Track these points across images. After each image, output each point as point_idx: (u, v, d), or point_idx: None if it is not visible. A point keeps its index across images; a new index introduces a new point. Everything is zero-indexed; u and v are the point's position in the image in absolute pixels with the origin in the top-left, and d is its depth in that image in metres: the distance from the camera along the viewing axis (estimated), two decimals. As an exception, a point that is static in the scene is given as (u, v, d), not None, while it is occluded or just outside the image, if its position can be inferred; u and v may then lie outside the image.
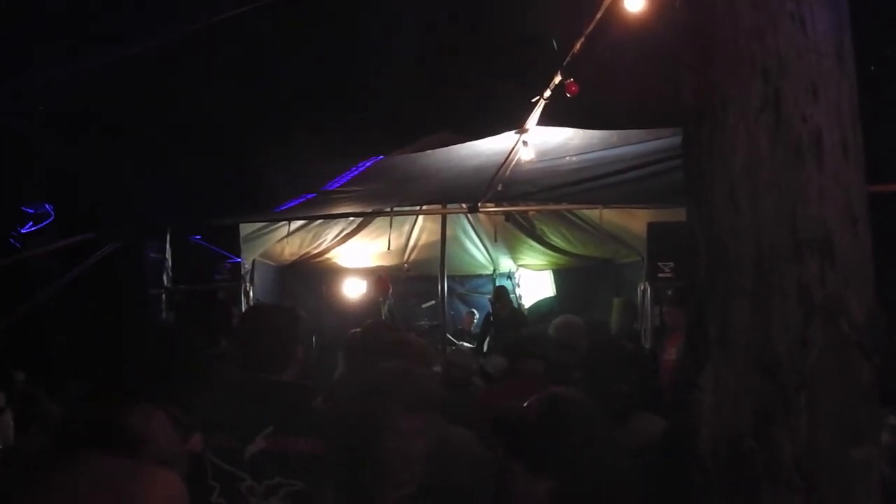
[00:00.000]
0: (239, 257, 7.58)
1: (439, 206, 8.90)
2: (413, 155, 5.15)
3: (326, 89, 3.95)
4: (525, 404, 2.19)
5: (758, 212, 1.62)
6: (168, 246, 7.24)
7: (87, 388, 1.69)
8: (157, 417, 1.63)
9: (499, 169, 6.05)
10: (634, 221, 8.94)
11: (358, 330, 4.94)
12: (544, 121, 4.60)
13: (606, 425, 2.18)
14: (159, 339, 1.76)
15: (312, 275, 11.63)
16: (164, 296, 7.16)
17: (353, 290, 11.00)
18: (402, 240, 11.44)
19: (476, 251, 12.40)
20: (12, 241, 5.90)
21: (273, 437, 2.78)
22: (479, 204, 7.97)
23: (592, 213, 9.23)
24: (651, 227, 8.20)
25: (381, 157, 5.15)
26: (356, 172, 5.66)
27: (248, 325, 3.24)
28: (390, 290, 10.51)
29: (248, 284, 8.10)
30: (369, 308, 10.00)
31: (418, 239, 11.57)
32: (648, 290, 8.17)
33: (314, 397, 3.23)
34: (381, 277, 10.52)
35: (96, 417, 1.61)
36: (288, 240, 9.93)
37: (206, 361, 1.78)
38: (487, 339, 9.56)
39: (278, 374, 3.00)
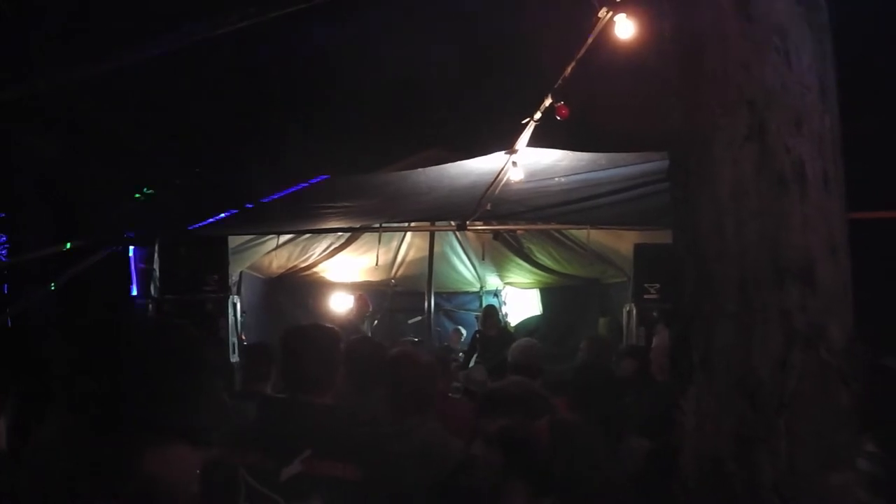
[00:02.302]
0: (227, 269, 7.56)
1: (428, 223, 8.93)
2: (404, 173, 5.18)
3: (319, 104, 3.99)
4: (531, 428, 2.21)
5: (742, 238, 1.65)
6: (156, 256, 7.22)
7: (91, 421, 1.53)
8: (174, 452, 1.50)
9: (488, 188, 6.09)
10: (621, 242, 8.99)
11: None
12: (534, 142, 4.64)
13: (607, 448, 2.22)
14: (164, 354, 1.60)
15: (300, 288, 11.60)
16: (150, 305, 7.13)
17: (340, 304, 10.99)
18: (390, 255, 11.44)
19: (463, 268, 12.42)
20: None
21: (310, 460, 2.72)
22: (468, 222, 8.01)
23: (580, 233, 9.28)
24: (638, 248, 8.25)
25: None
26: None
27: (291, 345, 3.15)
28: (370, 308, 10.50)
29: (235, 296, 8.08)
30: (354, 323, 9.98)
31: (406, 255, 11.58)
32: (634, 310, 8.21)
33: (354, 420, 3.13)
34: (361, 295, 10.53)
35: (109, 469, 1.45)
36: (276, 252, 9.91)
37: (212, 370, 1.67)
38: (475, 357, 9.55)
39: (319, 396, 2.95)
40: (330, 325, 3.54)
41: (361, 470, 2.71)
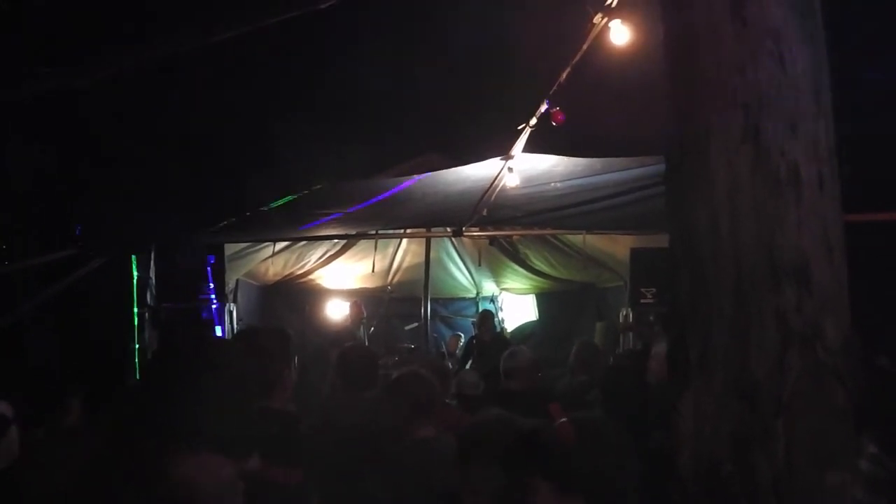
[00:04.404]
0: (224, 276, 7.57)
1: (424, 230, 8.94)
2: (399, 179, 5.20)
3: (316, 112, 3.99)
4: (552, 428, 2.22)
5: (737, 240, 1.66)
6: (152, 264, 7.22)
7: (125, 430, 1.54)
8: (204, 460, 1.51)
9: (484, 194, 6.10)
10: (617, 247, 9.02)
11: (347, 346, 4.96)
12: (530, 148, 4.65)
13: (629, 442, 2.23)
14: (203, 366, 1.60)
15: (296, 295, 11.60)
16: (147, 314, 7.12)
17: (336, 311, 10.99)
18: (387, 262, 11.46)
19: (460, 274, 12.43)
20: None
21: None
22: (464, 228, 8.01)
23: (576, 238, 9.30)
24: (633, 252, 8.27)
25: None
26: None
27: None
28: (364, 316, 10.49)
29: (231, 304, 8.08)
30: (350, 330, 9.99)
31: (402, 261, 11.59)
32: (630, 314, 8.22)
33: (298, 424, 3.15)
34: (355, 302, 10.54)
35: (142, 478, 1.47)
36: (272, 260, 9.92)
37: (250, 384, 1.66)
38: (469, 363, 9.56)
39: (265, 399, 2.93)
40: (277, 328, 3.49)
41: (304, 473, 2.73)
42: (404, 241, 10.89)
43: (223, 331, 7.52)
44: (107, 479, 1.47)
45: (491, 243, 9.86)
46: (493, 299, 13.02)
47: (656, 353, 5.16)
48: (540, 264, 11.22)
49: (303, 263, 10.87)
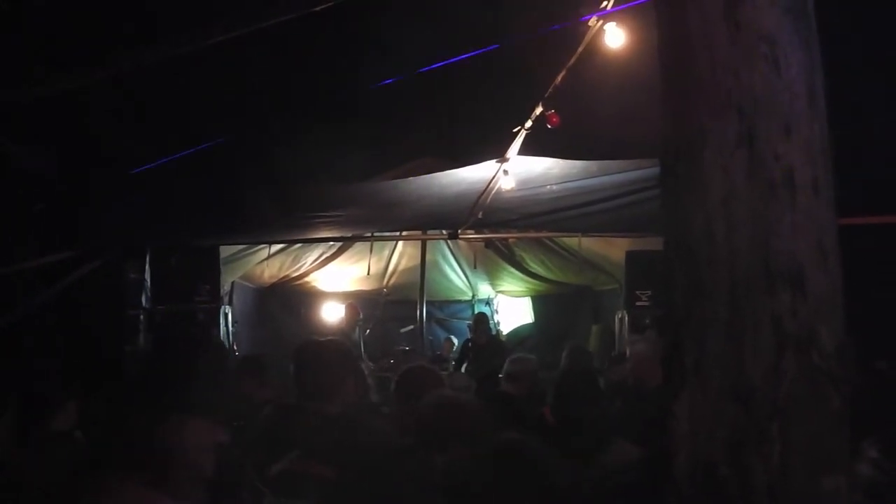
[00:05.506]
0: (218, 279, 7.56)
1: (419, 232, 8.94)
2: (394, 181, 5.19)
3: (312, 113, 3.99)
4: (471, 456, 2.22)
5: (732, 244, 1.66)
6: (147, 266, 7.20)
7: (113, 406, 1.79)
8: (187, 426, 1.74)
9: (479, 196, 6.10)
10: (613, 249, 9.02)
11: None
12: (525, 150, 4.65)
13: (554, 456, 2.22)
14: (176, 353, 1.88)
15: (291, 297, 11.60)
16: (142, 316, 7.11)
17: (332, 313, 10.98)
18: (382, 264, 11.45)
19: (455, 277, 12.43)
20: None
21: (298, 460, 2.94)
22: (460, 230, 8.01)
23: (571, 241, 9.31)
24: (629, 255, 8.27)
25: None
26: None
27: (298, 357, 3.43)
28: (359, 318, 10.49)
29: (227, 306, 8.07)
30: (345, 332, 9.98)
31: (398, 264, 11.59)
32: (626, 317, 8.23)
33: (357, 428, 3.32)
34: (350, 304, 10.54)
35: (127, 439, 1.69)
36: (268, 262, 9.90)
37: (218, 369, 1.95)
38: (465, 366, 9.55)
39: (325, 403, 3.21)
40: (339, 339, 3.73)
41: (341, 471, 2.86)
42: (400, 243, 10.89)
43: (219, 333, 7.51)
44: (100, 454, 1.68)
45: (487, 246, 9.86)
46: (488, 302, 13.03)
47: (635, 354, 5.22)
48: (536, 267, 11.22)
49: (298, 266, 10.86)
